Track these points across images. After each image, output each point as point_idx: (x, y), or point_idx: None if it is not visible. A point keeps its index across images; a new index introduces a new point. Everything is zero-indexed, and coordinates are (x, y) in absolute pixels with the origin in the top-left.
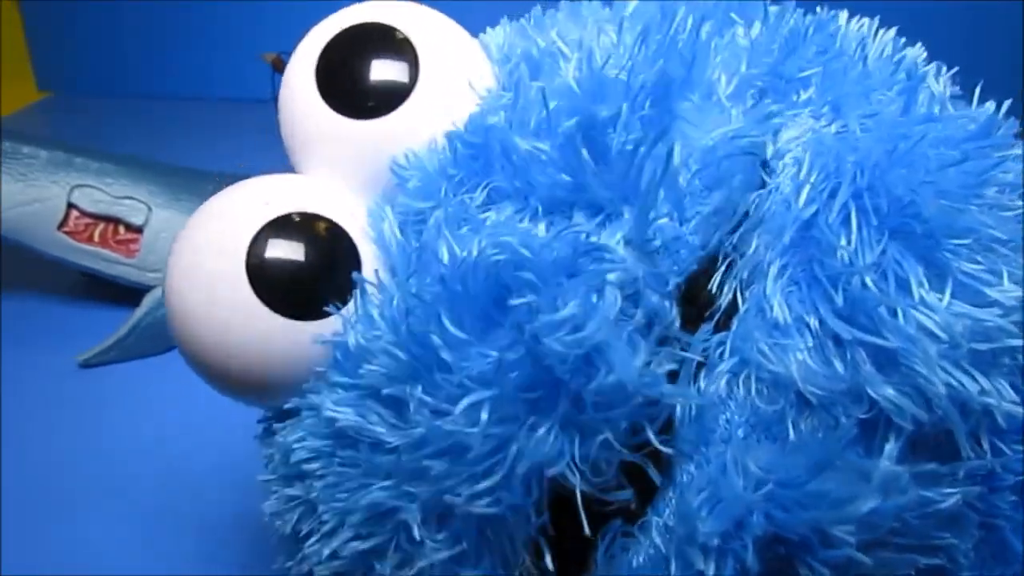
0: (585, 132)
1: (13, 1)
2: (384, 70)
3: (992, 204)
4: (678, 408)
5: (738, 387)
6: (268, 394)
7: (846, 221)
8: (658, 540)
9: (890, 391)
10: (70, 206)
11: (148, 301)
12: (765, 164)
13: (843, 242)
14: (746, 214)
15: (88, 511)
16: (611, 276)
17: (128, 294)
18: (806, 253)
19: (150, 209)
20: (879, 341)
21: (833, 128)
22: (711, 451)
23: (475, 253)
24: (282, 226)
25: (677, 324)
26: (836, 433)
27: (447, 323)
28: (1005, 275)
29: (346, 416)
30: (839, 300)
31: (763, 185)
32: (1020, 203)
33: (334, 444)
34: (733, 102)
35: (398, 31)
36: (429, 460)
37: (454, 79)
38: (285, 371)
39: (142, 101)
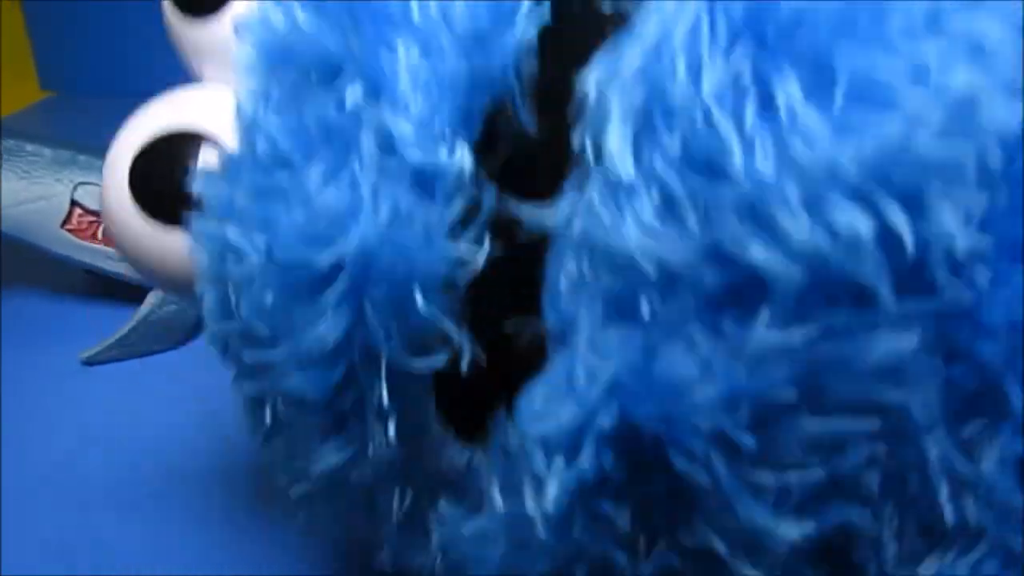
0: None
1: (15, 0)
2: None
3: None
4: (544, 291)
5: (585, 264)
6: (177, 290)
7: (695, 33)
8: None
9: (756, 249)
10: (73, 204)
11: (151, 299)
12: None
13: (680, 69)
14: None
15: (89, 510)
16: (363, 135)
17: (131, 292)
18: (649, 87)
19: None
20: (729, 192)
21: None
22: (571, 338)
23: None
24: (159, 142)
25: (468, 171)
26: (698, 305)
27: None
28: (933, 62)
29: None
30: (675, 147)
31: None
32: None
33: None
34: None
35: None
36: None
37: None
38: (176, 273)
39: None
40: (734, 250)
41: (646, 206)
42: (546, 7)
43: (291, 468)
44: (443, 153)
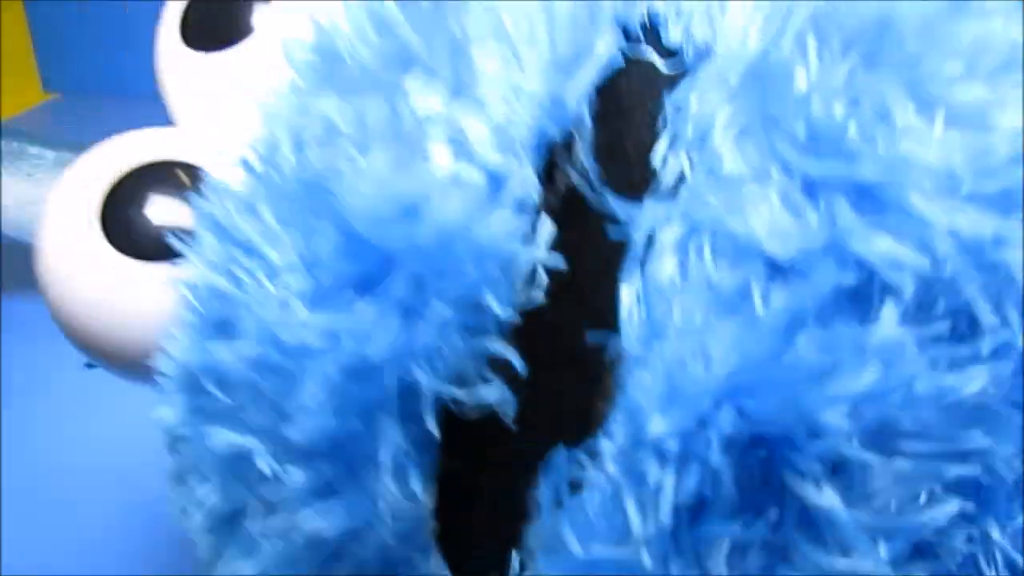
0: None
1: (19, 1)
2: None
3: (986, 29)
4: (622, 305)
5: (691, 262)
6: (135, 353)
7: (802, 49)
8: (612, 469)
9: (880, 241)
10: None
11: None
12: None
13: (799, 72)
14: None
15: (91, 511)
16: (433, 131)
17: None
18: (759, 92)
19: None
20: (857, 175)
21: None
22: (665, 346)
23: (286, 134)
24: (136, 175)
25: (536, 193)
26: (816, 303)
27: (264, 214)
28: (1010, 101)
29: (192, 354)
30: (801, 133)
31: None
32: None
33: (191, 395)
34: None
35: None
36: (259, 376)
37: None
38: (141, 320)
39: (148, 102)
40: (856, 244)
41: (766, 195)
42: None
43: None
44: (515, 164)
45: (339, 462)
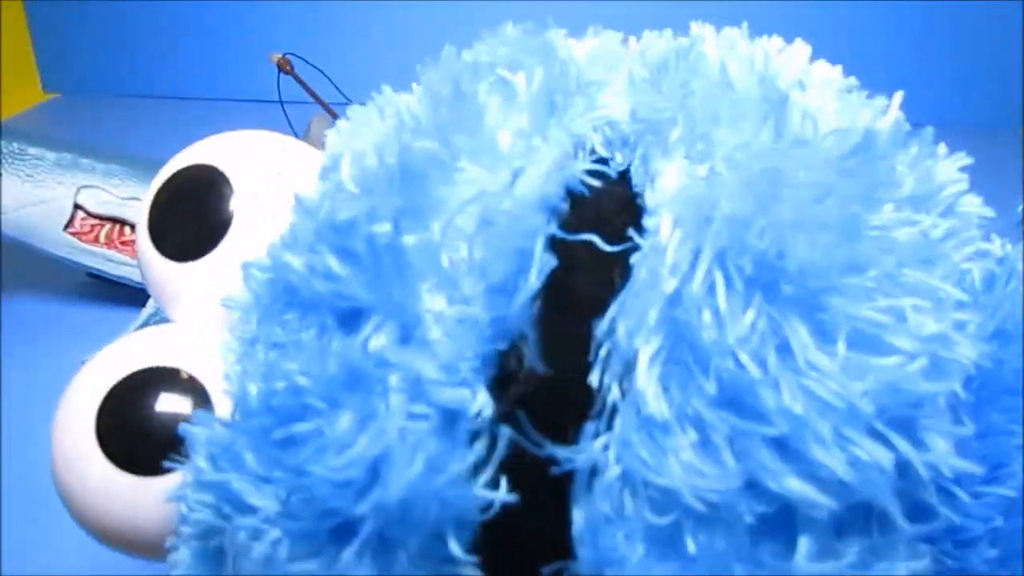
0: (330, 237)
1: (19, 1)
2: (202, 208)
3: (886, 225)
4: (575, 528)
5: (627, 501)
6: (144, 552)
7: (711, 290)
8: None
9: (792, 481)
10: (76, 207)
11: (153, 302)
12: (639, 221)
13: (706, 318)
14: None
15: None
16: (392, 379)
17: (134, 295)
18: (674, 334)
19: None
20: (764, 429)
21: (702, 170)
22: (614, 573)
23: (260, 386)
24: (132, 382)
25: (488, 409)
26: (741, 537)
27: (248, 463)
28: (908, 311)
29: (192, 573)
30: (711, 388)
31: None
32: (919, 217)
33: None
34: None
35: (213, 167)
36: None
37: (270, 201)
38: (147, 530)
39: (148, 102)
40: (770, 482)
41: (684, 444)
42: (551, 257)
43: None
44: (467, 395)
45: None
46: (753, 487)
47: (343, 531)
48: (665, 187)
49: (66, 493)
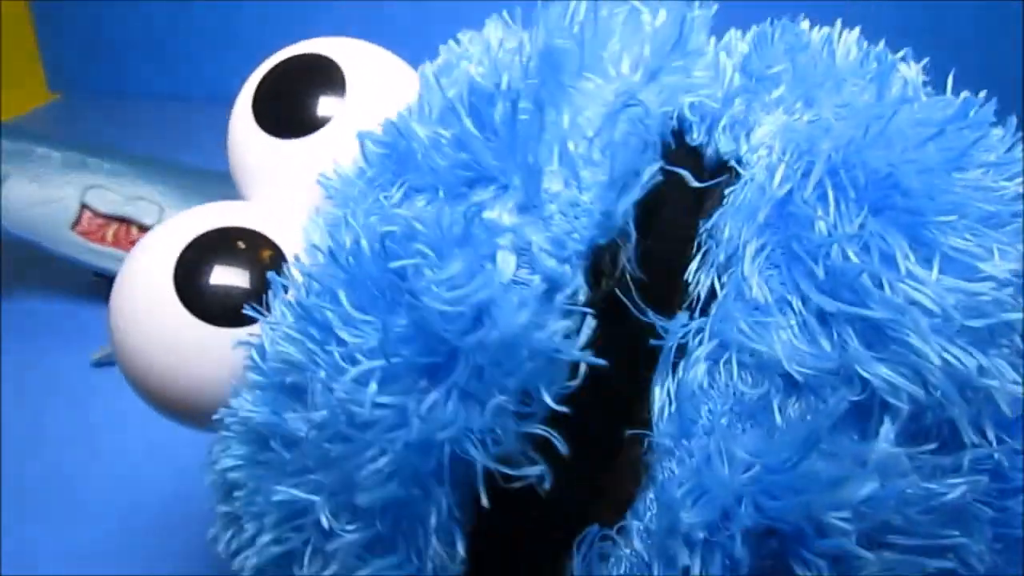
0: (469, 103)
1: (24, 2)
2: (312, 91)
3: (976, 185)
4: (655, 402)
5: (719, 373)
6: (202, 409)
7: (823, 197)
8: (639, 545)
9: (882, 369)
10: (83, 206)
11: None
12: (739, 160)
13: (820, 213)
14: (719, 200)
15: (91, 511)
16: (502, 240)
17: None
18: (783, 230)
19: (162, 210)
20: (865, 312)
21: (805, 118)
22: (694, 444)
23: (366, 231)
24: (209, 238)
25: (583, 293)
26: (826, 416)
27: (343, 300)
28: (996, 251)
29: (259, 413)
30: (820, 273)
31: (730, 174)
32: (1005, 183)
33: (255, 448)
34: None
35: (327, 57)
36: (329, 443)
37: (380, 97)
38: (215, 380)
39: (153, 102)
40: (861, 368)
41: (784, 324)
42: (658, 167)
43: None
44: (568, 271)
45: (394, 523)
46: (844, 372)
47: (435, 370)
48: (766, 130)
49: (133, 345)
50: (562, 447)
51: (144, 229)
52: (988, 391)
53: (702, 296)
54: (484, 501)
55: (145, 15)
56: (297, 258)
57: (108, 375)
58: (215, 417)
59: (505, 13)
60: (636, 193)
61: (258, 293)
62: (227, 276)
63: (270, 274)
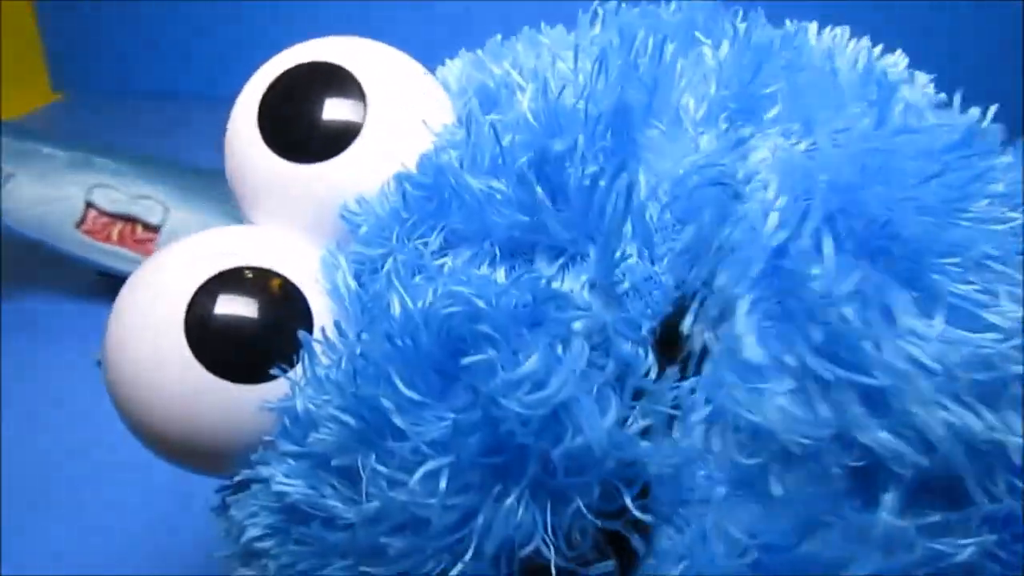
0: (539, 167)
1: (28, 2)
2: (330, 110)
3: (981, 218)
4: (651, 468)
5: (715, 439)
6: (215, 465)
7: (819, 247)
8: None
9: (883, 435)
10: (88, 205)
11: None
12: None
13: (816, 271)
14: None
15: (91, 511)
16: (577, 324)
17: None
18: (778, 285)
19: (167, 209)
20: (866, 380)
21: (803, 146)
22: (690, 512)
23: (426, 306)
24: (225, 281)
25: (653, 374)
26: (826, 486)
27: (399, 384)
28: (1002, 294)
29: (297, 489)
30: (817, 336)
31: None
32: (1014, 215)
33: (287, 520)
34: (704, 127)
35: (344, 68)
36: (387, 537)
37: (406, 117)
38: (230, 440)
39: (156, 101)
40: (862, 435)
41: (779, 389)
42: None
43: None
44: (642, 353)
45: None
46: (843, 438)
47: (507, 470)
48: (761, 157)
49: (138, 402)
50: (640, 546)
51: (149, 228)
52: (998, 445)
53: (696, 352)
54: None
55: (148, 15)
56: (338, 325)
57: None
58: (236, 479)
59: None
60: (710, 262)
61: (288, 349)
62: (249, 330)
63: (302, 334)
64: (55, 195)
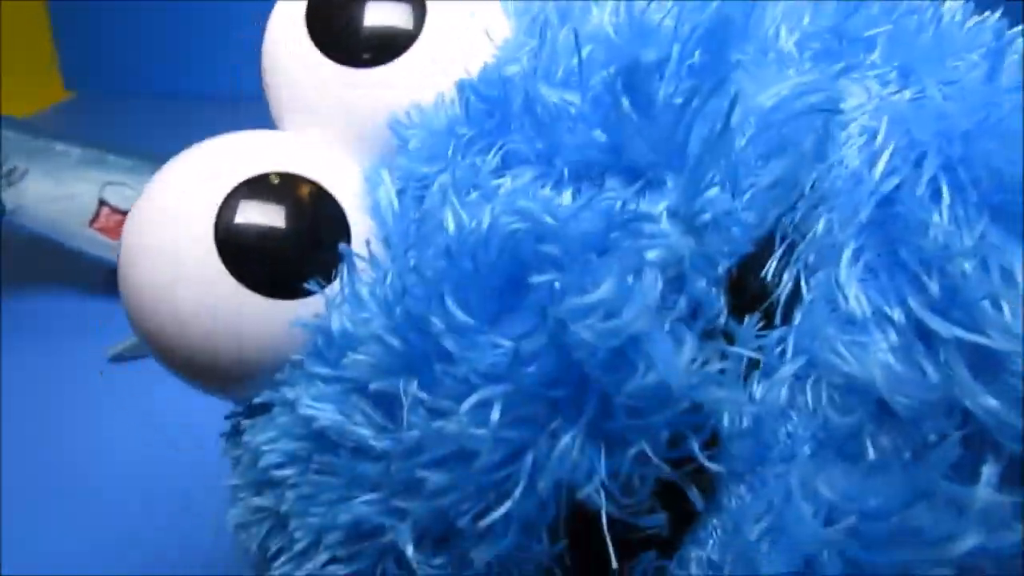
0: (627, 78)
1: (40, 1)
2: (385, 11)
3: None
4: (726, 418)
5: (804, 394)
6: (237, 384)
7: (936, 196)
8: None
9: (992, 402)
10: (102, 203)
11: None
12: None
13: (936, 219)
14: (803, 191)
15: (91, 510)
16: (651, 254)
17: None
18: (888, 233)
19: None
20: (983, 340)
21: (907, 94)
22: (768, 471)
23: (487, 222)
24: (259, 188)
25: (724, 316)
26: (935, 455)
27: (451, 305)
28: None
29: (326, 414)
30: (934, 289)
31: (825, 153)
32: None
33: (311, 447)
34: (791, 63)
35: None
36: (425, 470)
37: (465, 26)
38: (256, 357)
39: (168, 100)
40: (969, 399)
41: (883, 345)
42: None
43: None
44: (715, 294)
45: (487, 568)
46: (947, 403)
47: (566, 405)
48: (857, 103)
49: (158, 312)
50: (699, 502)
51: None
52: None
53: (782, 299)
54: (614, 562)
55: (160, 15)
56: (385, 240)
57: (120, 372)
58: (257, 401)
59: None
60: (790, 201)
61: (324, 263)
62: (283, 241)
63: (342, 246)
64: (68, 192)
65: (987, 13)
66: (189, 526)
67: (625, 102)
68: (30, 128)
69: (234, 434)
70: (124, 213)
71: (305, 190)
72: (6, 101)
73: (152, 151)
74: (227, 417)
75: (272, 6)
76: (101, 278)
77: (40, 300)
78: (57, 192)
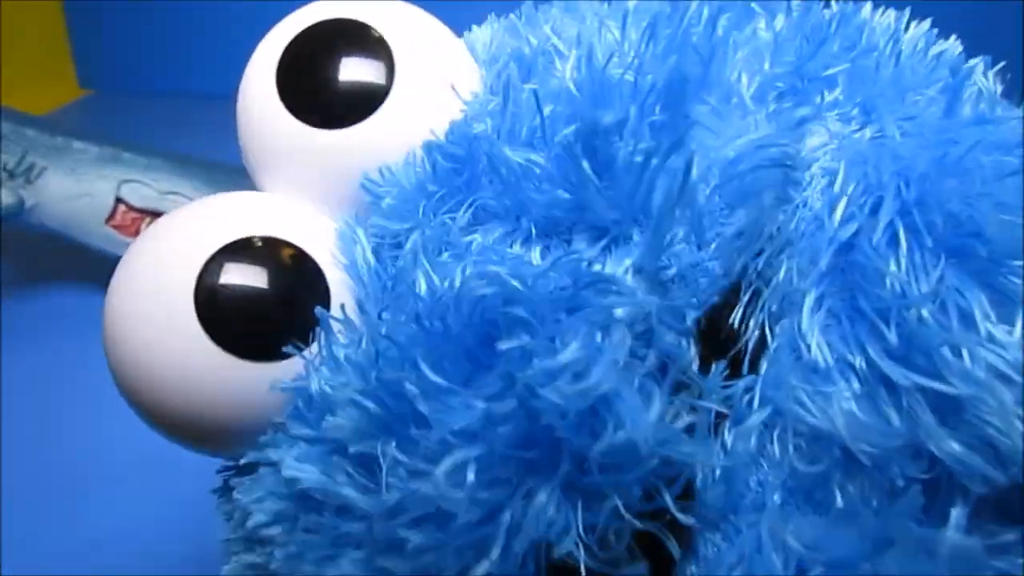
0: (586, 141)
1: (57, 1)
2: (354, 72)
3: None
4: (698, 469)
5: (772, 443)
6: (219, 445)
7: (893, 242)
8: None
9: (956, 446)
10: (118, 200)
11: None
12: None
13: (892, 267)
14: (770, 235)
15: (91, 510)
16: (618, 311)
17: None
18: (847, 281)
19: None
20: (943, 387)
21: (867, 133)
22: (741, 520)
23: (457, 285)
24: (237, 251)
25: (695, 367)
26: (899, 501)
27: (424, 368)
28: None
29: (309, 475)
30: (892, 337)
31: (787, 201)
32: None
33: (297, 507)
34: (756, 105)
35: (370, 28)
36: (406, 530)
37: (434, 82)
38: (238, 420)
39: (182, 99)
40: (934, 445)
41: (846, 393)
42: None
43: None
44: (684, 345)
45: None
46: (912, 448)
47: (539, 464)
48: (819, 142)
49: (141, 376)
50: (675, 549)
51: None
52: None
53: (750, 347)
54: None
55: (175, 13)
56: (359, 303)
57: (100, 376)
58: (243, 462)
59: None
60: (766, 252)
61: (302, 325)
62: (262, 304)
63: (319, 310)
64: (86, 190)
65: (951, 38)
66: (189, 526)
67: (586, 165)
68: (48, 126)
69: (225, 490)
70: (140, 211)
71: (283, 252)
72: (21, 99)
73: (166, 149)
74: (219, 472)
75: (290, 10)
76: (99, 279)
77: (55, 297)
78: (75, 190)
